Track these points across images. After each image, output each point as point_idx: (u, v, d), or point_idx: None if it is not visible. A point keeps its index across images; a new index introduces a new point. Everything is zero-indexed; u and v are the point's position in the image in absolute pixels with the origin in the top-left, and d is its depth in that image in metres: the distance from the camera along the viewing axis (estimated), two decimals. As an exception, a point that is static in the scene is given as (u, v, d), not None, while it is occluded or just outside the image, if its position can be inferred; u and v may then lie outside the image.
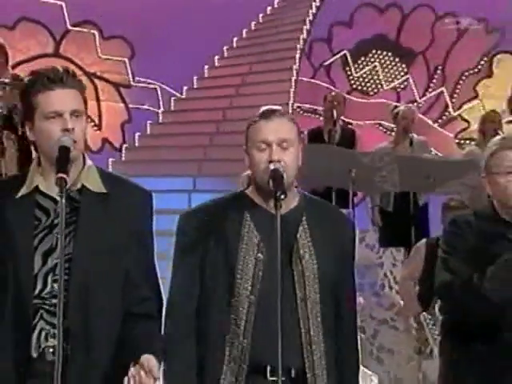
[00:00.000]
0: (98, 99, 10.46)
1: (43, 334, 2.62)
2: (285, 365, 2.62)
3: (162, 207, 4.77)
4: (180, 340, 2.75)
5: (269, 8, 11.18)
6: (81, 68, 10.15)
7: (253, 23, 11.09)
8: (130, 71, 10.78)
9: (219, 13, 10.12)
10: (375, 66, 11.00)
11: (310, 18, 10.84)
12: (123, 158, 10.10)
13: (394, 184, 7.13)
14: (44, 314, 2.62)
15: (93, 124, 10.25)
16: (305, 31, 10.74)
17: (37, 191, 2.69)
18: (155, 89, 10.69)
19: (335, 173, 6.90)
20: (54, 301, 2.58)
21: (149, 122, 10.40)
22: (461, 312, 2.97)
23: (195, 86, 10.72)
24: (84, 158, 2.73)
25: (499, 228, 2.97)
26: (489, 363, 2.91)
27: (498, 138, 3.17)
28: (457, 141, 10.83)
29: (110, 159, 9.79)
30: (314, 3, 10.89)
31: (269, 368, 2.67)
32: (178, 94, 10.65)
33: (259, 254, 2.73)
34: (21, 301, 2.62)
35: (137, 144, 10.28)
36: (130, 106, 10.73)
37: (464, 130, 10.93)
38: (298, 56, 10.51)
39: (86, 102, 2.71)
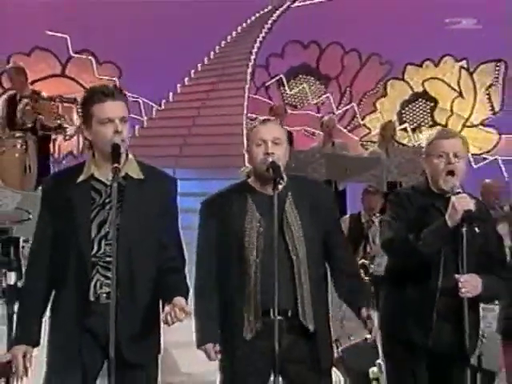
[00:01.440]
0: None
1: (98, 283, 2.62)
2: (283, 308, 2.62)
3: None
4: (205, 288, 2.75)
5: (223, 42, 11.14)
6: (82, 86, 9.94)
7: (212, 53, 11.03)
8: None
9: (187, 44, 10.08)
10: (304, 87, 11.07)
11: (255, 49, 10.84)
12: (117, 154, 9.95)
13: (321, 174, 7.19)
14: (99, 268, 2.62)
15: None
16: (252, 59, 10.73)
17: (92, 177, 2.68)
18: (138, 102, 10.54)
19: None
20: (108, 259, 2.59)
21: (136, 126, 10.30)
22: (399, 262, 2.92)
23: (171, 100, 10.61)
24: (127, 152, 2.71)
25: (431, 199, 2.91)
26: (418, 305, 2.88)
27: (437, 129, 3.12)
28: (360, 143, 10.96)
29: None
30: (257, 39, 10.89)
31: (271, 310, 2.62)
32: (158, 106, 10.56)
33: (260, 228, 2.69)
34: (81, 259, 2.62)
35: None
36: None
37: (366, 135, 11.07)
38: (248, 78, 10.49)
39: (129, 111, 2.70)
